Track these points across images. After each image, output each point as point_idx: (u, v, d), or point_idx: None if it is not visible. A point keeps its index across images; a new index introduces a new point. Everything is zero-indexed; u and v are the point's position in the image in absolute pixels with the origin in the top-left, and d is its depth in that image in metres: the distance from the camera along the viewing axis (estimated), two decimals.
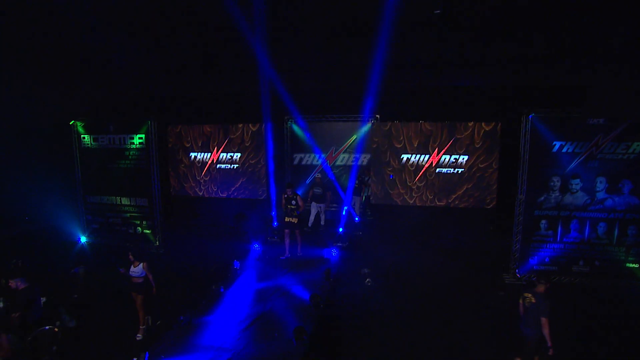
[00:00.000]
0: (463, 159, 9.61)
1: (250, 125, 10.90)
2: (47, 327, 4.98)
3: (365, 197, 10.47)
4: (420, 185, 10.00)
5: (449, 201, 9.86)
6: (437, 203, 9.97)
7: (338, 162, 10.63)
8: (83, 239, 9.91)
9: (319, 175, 10.03)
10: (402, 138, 9.94)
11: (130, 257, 5.52)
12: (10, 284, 4.91)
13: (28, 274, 6.85)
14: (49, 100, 10.31)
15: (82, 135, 9.91)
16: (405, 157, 10.01)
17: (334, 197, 10.64)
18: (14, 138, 10.04)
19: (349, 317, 5.76)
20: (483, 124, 9.37)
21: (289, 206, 8.16)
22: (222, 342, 4.96)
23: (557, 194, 7.02)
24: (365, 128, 10.22)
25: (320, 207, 10.18)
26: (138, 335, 5.50)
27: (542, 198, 7.09)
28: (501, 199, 9.48)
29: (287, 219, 8.19)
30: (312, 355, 4.50)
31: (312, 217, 10.19)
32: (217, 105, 11.03)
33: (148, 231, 9.64)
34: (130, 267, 5.54)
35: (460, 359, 4.90)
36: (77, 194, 10.20)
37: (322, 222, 10.36)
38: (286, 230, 8.29)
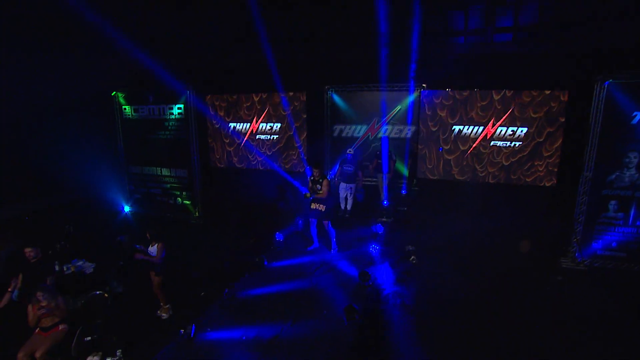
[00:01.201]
0: (521, 131, 8.73)
1: (290, 94, 10.48)
2: (98, 292, 5.00)
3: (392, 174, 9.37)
4: (472, 159, 9.26)
5: (504, 177, 9.08)
6: (490, 179, 9.21)
7: (381, 135, 10.03)
8: (127, 209, 10.09)
9: (351, 151, 8.79)
10: (452, 108, 9.16)
11: (148, 235, 5.31)
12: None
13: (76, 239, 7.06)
14: (92, 71, 10.35)
15: (123, 106, 9.93)
16: (456, 128, 9.24)
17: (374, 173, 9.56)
18: (64, 111, 10.21)
19: (396, 295, 5.41)
20: (545, 92, 8.39)
21: (314, 190, 6.70)
22: (269, 317, 4.76)
23: (633, 172, 6.16)
24: (412, 98, 9.51)
25: (350, 188, 8.76)
26: (162, 314, 5.36)
27: (614, 176, 6.26)
28: (562, 177, 8.60)
29: (312, 206, 6.73)
30: (365, 335, 4.20)
31: (342, 202, 8.94)
32: (256, 75, 10.64)
33: (188, 202, 9.64)
34: (148, 247, 5.33)
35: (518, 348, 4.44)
36: (120, 165, 10.36)
37: (349, 207, 8.95)
38: (311, 220, 6.89)
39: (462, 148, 9.28)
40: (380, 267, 6.11)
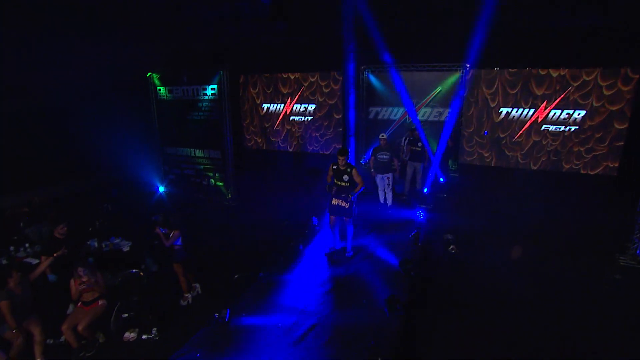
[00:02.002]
0: (578, 114, 7.96)
1: (325, 74, 10.11)
2: (134, 271, 5.01)
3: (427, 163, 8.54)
4: (520, 144, 8.59)
5: (556, 164, 8.37)
6: (541, 166, 8.52)
7: (419, 117, 9.50)
8: (161, 189, 10.22)
9: (384, 136, 7.63)
10: (499, 89, 8.48)
11: (168, 220, 5.21)
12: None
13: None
14: (128, 53, 10.43)
15: (158, 87, 9.94)
16: (503, 110, 8.58)
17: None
18: (102, 93, 10.42)
19: (440, 287, 5.07)
20: (607, 71, 7.55)
21: (338, 182, 5.50)
22: (305, 305, 4.56)
23: None
24: (453, 78, 8.88)
25: (387, 179, 7.66)
26: (182, 301, 5.27)
27: None
28: (624, 166, 7.80)
29: (334, 201, 5.61)
30: (409, 329, 3.92)
31: (381, 194, 7.96)
32: (290, 54, 10.35)
33: (220, 183, 9.62)
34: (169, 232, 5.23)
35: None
36: (155, 146, 10.47)
37: (389, 202, 7.88)
38: (332, 217, 5.78)
39: (509, 132, 8.62)
40: (419, 255, 5.75)
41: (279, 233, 6.96)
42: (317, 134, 10.53)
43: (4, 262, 6.08)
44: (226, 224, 8.03)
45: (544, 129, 8.29)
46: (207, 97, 9.38)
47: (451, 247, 6.31)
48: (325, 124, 10.33)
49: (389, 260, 5.56)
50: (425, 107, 9.35)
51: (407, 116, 9.47)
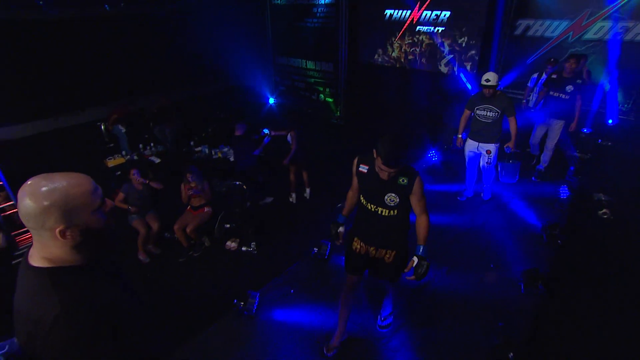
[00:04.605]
0: None
1: None
2: (238, 183, 4.93)
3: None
4: None
5: None
6: None
7: (589, 35, 6.83)
8: (271, 101, 10.08)
9: (491, 77, 4.21)
10: None
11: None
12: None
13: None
14: None
15: None
16: None
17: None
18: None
19: (589, 261, 3.77)
20: None
21: (370, 204, 2.39)
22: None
23: None
24: None
25: (486, 153, 4.45)
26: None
27: None
28: None
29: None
30: (550, 315, 2.95)
31: (469, 180, 4.93)
32: None
33: (330, 99, 8.98)
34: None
35: None
36: (268, 55, 10.12)
37: (485, 196, 4.92)
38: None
39: None
40: (567, 219, 4.35)
41: None
42: (447, 49, 8.65)
43: (135, 157, 6.78)
44: (334, 142, 7.49)
45: None
46: (323, 2, 8.30)
47: (603, 210, 4.70)
48: (457, 34, 8.31)
49: (525, 217, 4.34)
50: (602, 20, 6.60)
51: (571, 33, 6.89)
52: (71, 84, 8.23)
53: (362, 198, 2.36)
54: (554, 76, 5.38)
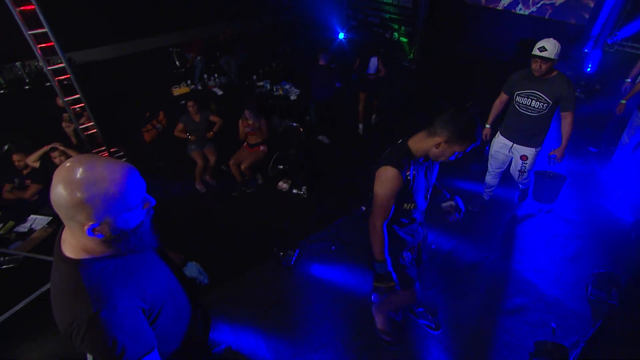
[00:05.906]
0: None
1: None
2: (295, 124, 4.80)
3: None
4: None
5: None
6: None
7: None
8: (341, 36, 9.40)
9: (546, 48, 2.75)
10: None
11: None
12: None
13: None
14: None
15: None
16: None
17: None
18: None
19: None
20: None
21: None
22: (474, 227, 3.45)
23: None
24: None
25: (522, 160, 3.25)
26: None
27: None
28: None
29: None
30: (626, 328, 2.51)
31: (490, 182, 3.68)
32: None
33: (405, 39, 8.10)
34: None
35: None
36: None
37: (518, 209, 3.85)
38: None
39: None
40: None
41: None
42: None
43: (199, 88, 6.85)
44: (406, 86, 6.90)
45: None
46: None
47: None
48: None
49: (610, 210, 3.64)
50: None
51: None
52: (146, 11, 8.35)
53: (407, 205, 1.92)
54: None
